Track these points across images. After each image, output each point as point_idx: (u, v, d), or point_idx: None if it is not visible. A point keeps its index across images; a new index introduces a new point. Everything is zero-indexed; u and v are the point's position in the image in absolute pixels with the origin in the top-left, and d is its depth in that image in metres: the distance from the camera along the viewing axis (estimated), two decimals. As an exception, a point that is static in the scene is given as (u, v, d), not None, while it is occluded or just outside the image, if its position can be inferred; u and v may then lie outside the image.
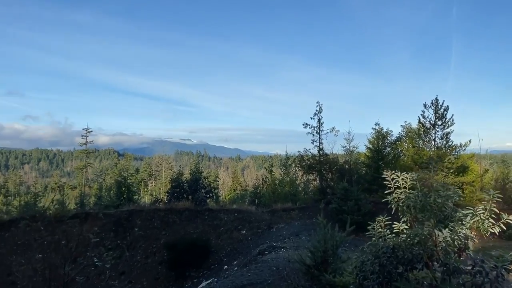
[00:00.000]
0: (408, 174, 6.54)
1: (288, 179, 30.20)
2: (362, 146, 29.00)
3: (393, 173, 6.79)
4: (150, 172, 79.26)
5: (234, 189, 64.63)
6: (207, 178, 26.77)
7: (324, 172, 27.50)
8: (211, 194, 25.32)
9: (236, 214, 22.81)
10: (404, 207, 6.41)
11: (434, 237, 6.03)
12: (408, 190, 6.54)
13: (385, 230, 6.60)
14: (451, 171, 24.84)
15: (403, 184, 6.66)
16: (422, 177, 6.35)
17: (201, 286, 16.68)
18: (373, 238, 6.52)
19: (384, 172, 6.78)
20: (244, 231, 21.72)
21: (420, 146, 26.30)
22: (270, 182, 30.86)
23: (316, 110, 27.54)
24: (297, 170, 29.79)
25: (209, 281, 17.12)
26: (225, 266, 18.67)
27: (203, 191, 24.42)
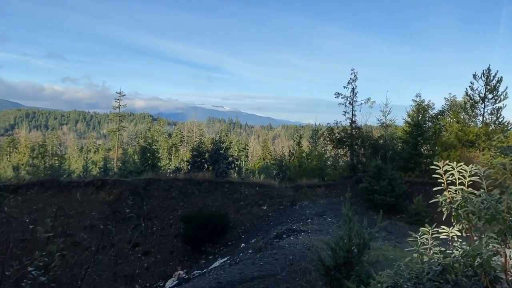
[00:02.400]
0: (471, 166, 4.65)
1: (316, 152, 28.32)
2: (399, 120, 26.61)
3: (447, 163, 4.89)
4: (181, 137, 79.12)
5: (263, 158, 63.44)
6: (229, 149, 25.34)
7: (355, 147, 25.46)
8: (233, 166, 23.93)
9: (257, 188, 21.35)
10: (460, 213, 4.61)
11: (504, 258, 4.25)
12: (467, 188, 4.70)
13: (431, 242, 4.82)
14: (499, 151, 22.26)
15: (459, 179, 4.81)
16: (497, 170, 4.45)
17: (214, 265, 15.49)
18: (414, 255, 4.79)
19: (435, 162, 4.91)
20: (265, 207, 20.29)
21: (466, 121, 23.66)
22: (297, 155, 29.08)
23: (350, 78, 25.26)
24: (326, 143, 27.84)
25: (224, 260, 15.92)
26: (242, 244, 17.40)
27: (224, 162, 23.04)
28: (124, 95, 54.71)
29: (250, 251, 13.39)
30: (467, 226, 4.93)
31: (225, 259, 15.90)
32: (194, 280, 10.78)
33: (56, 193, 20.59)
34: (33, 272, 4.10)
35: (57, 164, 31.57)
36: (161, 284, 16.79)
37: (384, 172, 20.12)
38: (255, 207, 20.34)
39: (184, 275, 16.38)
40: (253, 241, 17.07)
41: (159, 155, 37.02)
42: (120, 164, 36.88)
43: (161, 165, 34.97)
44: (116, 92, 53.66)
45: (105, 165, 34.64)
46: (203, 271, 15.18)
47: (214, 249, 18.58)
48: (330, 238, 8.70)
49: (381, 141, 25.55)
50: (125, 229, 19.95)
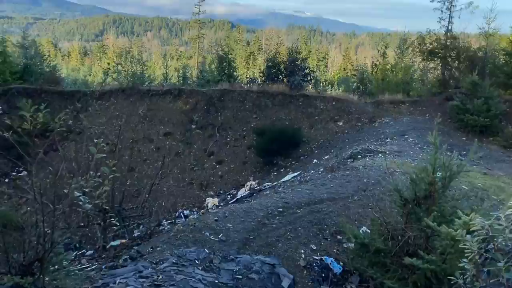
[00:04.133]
0: None
1: (402, 64, 25.79)
2: (505, 28, 22.78)
3: None
4: (259, 46, 77.68)
5: (344, 69, 60.53)
6: (306, 59, 23.91)
7: (449, 59, 22.63)
8: (309, 78, 22.76)
9: (334, 103, 20.28)
10: None
11: None
12: None
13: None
14: None
15: None
16: None
17: (285, 179, 15.43)
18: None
19: None
20: (341, 123, 19.37)
21: None
22: (381, 67, 26.82)
23: (451, -23, 21.69)
24: (415, 54, 25.09)
25: (295, 174, 15.79)
26: (315, 160, 17.03)
27: (300, 73, 21.93)
28: (203, 0, 53.58)
29: (322, 170, 12.94)
30: None
31: (296, 173, 15.74)
32: (261, 198, 10.69)
33: (136, 101, 21.39)
34: (80, 197, 3.91)
35: (139, 72, 32.45)
36: (233, 192, 17.31)
37: (480, 89, 17.89)
38: (330, 122, 19.50)
39: (255, 186, 16.63)
40: (326, 157, 16.59)
41: (235, 64, 36.56)
42: (198, 73, 37.22)
43: (238, 74, 34.66)
44: (194, -3, 52.62)
45: (184, 74, 35.11)
46: (274, 184, 15.24)
47: (286, 162, 18.49)
48: (411, 167, 7.81)
49: (480, 53, 22.39)
50: (201, 138, 20.47)
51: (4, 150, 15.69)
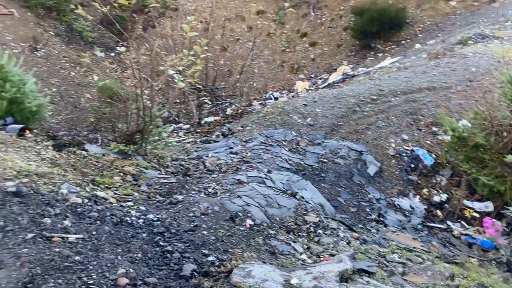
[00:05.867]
0: None
1: None
2: None
3: None
4: None
5: None
6: None
7: None
8: None
9: (448, -22, 17.58)
10: None
11: None
12: None
13: None
14: None
15: None
16: None
17: (382, 64, 14.53)
18: None
19: None
20: (454, 3, 16.96)
21: None
22: None
23: None
24: None
25: (394, 60, 14.75)
26: (418, 45, 15.55)
27: None
28: None
29: (424, 56, 11.82)
30: None
31: (394, 59, 14.66)
32: (354, 84, 10.27)
33: None
34: (174, 75, 4.03)
35: None
36: (325, 77, 16.88)
37: None
38: (441, 1, 17.17)
39: (349, 70, 15.95)
40: (430, 42, 15.04)
41: None
42: None
43: None
44: None
45: None
46: (369, 70, 14.46)
47: (385, 46, 17.17)
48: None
49: None
50: (294, 17, 19.57)
51: (110, 25, 16.62)
